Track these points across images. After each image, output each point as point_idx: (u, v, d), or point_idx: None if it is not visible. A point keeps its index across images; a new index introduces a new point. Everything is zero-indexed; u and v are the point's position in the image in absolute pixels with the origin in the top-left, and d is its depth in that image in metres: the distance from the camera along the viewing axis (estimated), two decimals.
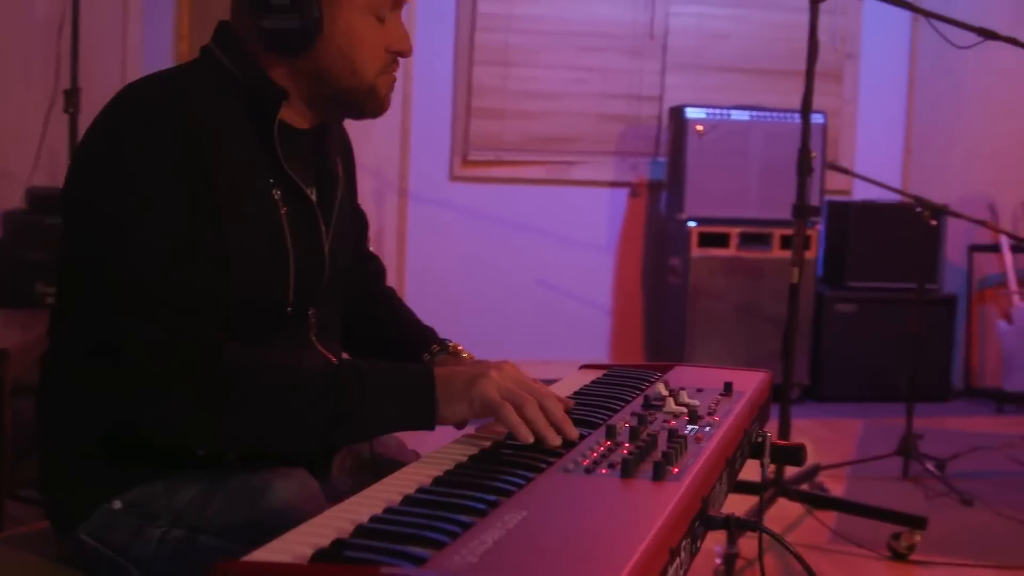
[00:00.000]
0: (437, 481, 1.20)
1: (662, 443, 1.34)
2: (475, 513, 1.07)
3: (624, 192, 6.08)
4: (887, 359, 5.63)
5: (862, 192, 5.96)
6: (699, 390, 1.71)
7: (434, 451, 1.37)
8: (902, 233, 5.82)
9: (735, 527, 1.27)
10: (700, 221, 5.56)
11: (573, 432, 1.40)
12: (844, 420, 5.39)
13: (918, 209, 4.30)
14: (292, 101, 1.56)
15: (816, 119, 5.64)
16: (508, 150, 5.87)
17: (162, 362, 1.37)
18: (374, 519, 1.05)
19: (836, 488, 4.06)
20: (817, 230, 5.67)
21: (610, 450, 1.32)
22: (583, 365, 2.02)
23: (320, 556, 0.95)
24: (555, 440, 1.38)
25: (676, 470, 1.23)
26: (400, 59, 1.60)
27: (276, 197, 1.53)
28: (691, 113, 5.56)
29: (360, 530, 1.02)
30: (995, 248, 6.13)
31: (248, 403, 1.39)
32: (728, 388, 1.73)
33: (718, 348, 5.54)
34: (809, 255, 5.65)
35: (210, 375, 1.38)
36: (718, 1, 6.08)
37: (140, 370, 1.37)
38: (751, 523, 1.34)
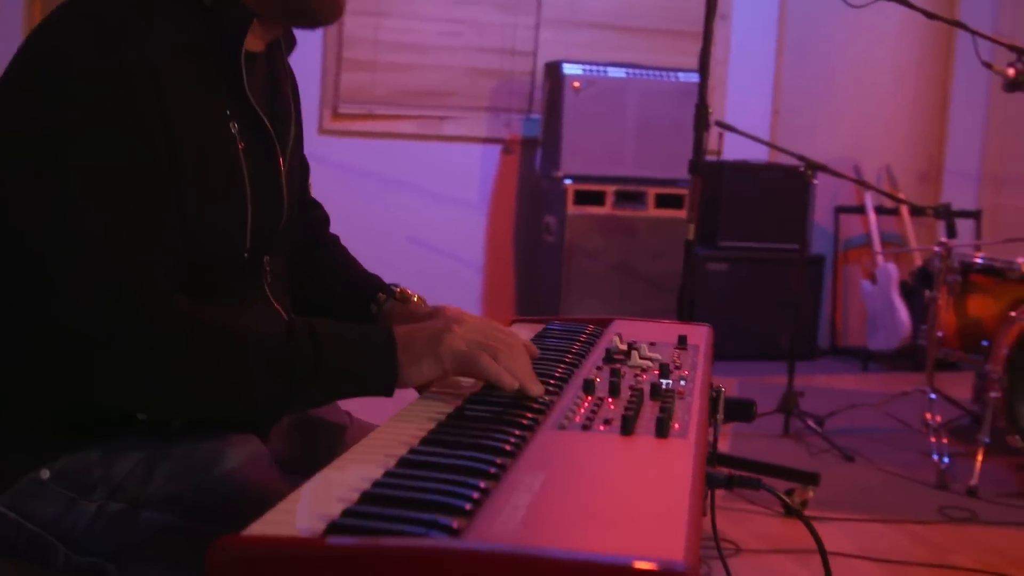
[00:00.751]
0: (426, 442, 1.09)
1: (647, 398, 1.26)
2: (487, 476, 0.96)
3: (497, 149, 5.98)
4: (759, 318, 5.69)
5: (731, 153, 5.98)
6: (652, 344, 1.63)
7: (403, 410, 1.25)
8: (772, 194, 5.89)
9: (737, 486, 1.20)
10: (576, 179, 5.50)
11: (539, 388, 1.31)
12: (721, 379, 5.37)
13: (801, 168, 4.29)
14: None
15: (690, 78, 5.67)
16: (380, 104, 5.70)
17: (105, 319, 1.20)
18: (379, 485, 0.93)
19: (721, 446, 4.06)
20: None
21: (596, 406, 1.23)
22: (514, 319, 1.92)
23: (336, 528, 0.83)
24: (539, 389, 1.28)
25: (677, 426, 1.14)
26: None
27: (233, 131, 1.38)
28: (568, 69, 5.49)
29: (368, 497, 0.90)
30: (860, 210, 6.25)
31: (198, 367, 1.24)
32: (683, 341, 1.66)
33: (593, 306, 5.51)
34: (682, 215, 5.65)
35: (158, 334, 1.22)
36: None
37: (79, 328, 1.21)
38: (754, 481, 1.27)
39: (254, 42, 1.44)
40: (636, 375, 1.41)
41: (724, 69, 6.34)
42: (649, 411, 1.20)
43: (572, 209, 5.48)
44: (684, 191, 5.63)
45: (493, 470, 0.98)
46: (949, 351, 4.24)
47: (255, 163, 1.41)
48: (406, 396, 1.35)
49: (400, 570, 0.77)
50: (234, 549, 0.80)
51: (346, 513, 0.85)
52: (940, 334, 4.16)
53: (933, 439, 3.93)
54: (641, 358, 1.49)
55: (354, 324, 1.39)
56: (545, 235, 5.69)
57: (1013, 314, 3.82)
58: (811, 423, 4.24)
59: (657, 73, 5.62)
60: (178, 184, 1.29)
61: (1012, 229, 5.95)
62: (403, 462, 1.01)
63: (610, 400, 1.26)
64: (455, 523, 0.84)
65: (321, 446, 1.61)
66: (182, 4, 1.36)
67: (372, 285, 1.71)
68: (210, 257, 1.37)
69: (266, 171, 1.45)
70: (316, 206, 1.82)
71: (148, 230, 1.26)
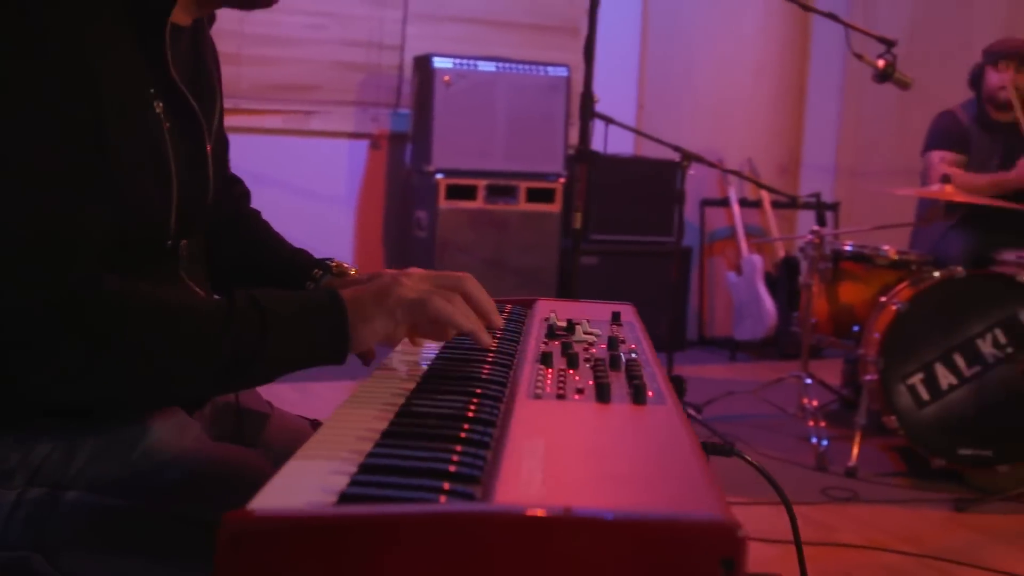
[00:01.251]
0: (403, 414, 1.04)
1: (609, 368, 1.23)
2: (481, 445, 0.92)
3: (365, 144, 5.90)
4: None
5: (598, 147, 6.00)
6: (588, 320, 1.61)
7: (358, 389, 1.19)
8: (641, 187, 5.95)
9: (711, 453, 1.18)
10: (447, 173, 5.46)
11: (500, 320, 1.30)
12: None
13: (676, 159, 4.33)
14: None
15: (559, 71, 5.69)
16: (244, 98, 5.55)
17: (27, 303, 1.11)
18: (375, 456, 0.88)
19: None
20: (560, 184, 5.68)
21: (560, 377, 1.20)
22: None
23: (349, 497, 0.77)
24: (499, 320, 1.26)
25: (651, 394, 1.12)
26: None
27: (158, 110, 1.29)
28: (438, 63, 5.44)
29: (369, 468, 0.85)
30: (724, 202, 6.36)
31: (134, 349, 1.14)
32: (617, 318, 1.64)
33: None
34: (553, 208, 5.68)
35: (89, 318, 1.13)
36: None
37: (6, 321, 1.11)
38: (728, 449, 1.26)
39: (181, 15, 1.37)
40: (586, 349, 1.38)
41: (590, 64, 6.36)
42: (616, 381, 1.17)
43: (444, 204, 5.44)
44: (555, 185, 5.66)
45: (486, 439, 0.94)
46: (822, 336, 4.34)
47: (181, 145, 1.34)
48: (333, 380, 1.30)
49: (426, 537, 0.73)
50: (244, 525, 0.74)
51: (355, 483, 0.80)
52: (813, 320, 4.26)
53: (811, 423, 4.02)
54: (585, 333, 1.46)
55: (295, 292, 1.32)
56: (416, 230, 5.64)
57: (883, 299, 3.93)
58: (691, 411, 4.29)
59: (527, 67, 5.61)
60: (104, 163, 1.20)
61: (868, 220, 6.14)
62: (389, 434, 0.96)
63: (571, 372, 1.23)
64: (472, 489, 0.80)
65: (245, 436, 1.54)
66: None
67: (305, 260, 1.63)
68: (131, 242, 1.27)
69: (192, 153, 1.38)
70: (237, 181, 1.73)
71: (73, 208, 1.17)
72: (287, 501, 0.78)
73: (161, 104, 1.30)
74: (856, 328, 4.16)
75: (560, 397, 1.10)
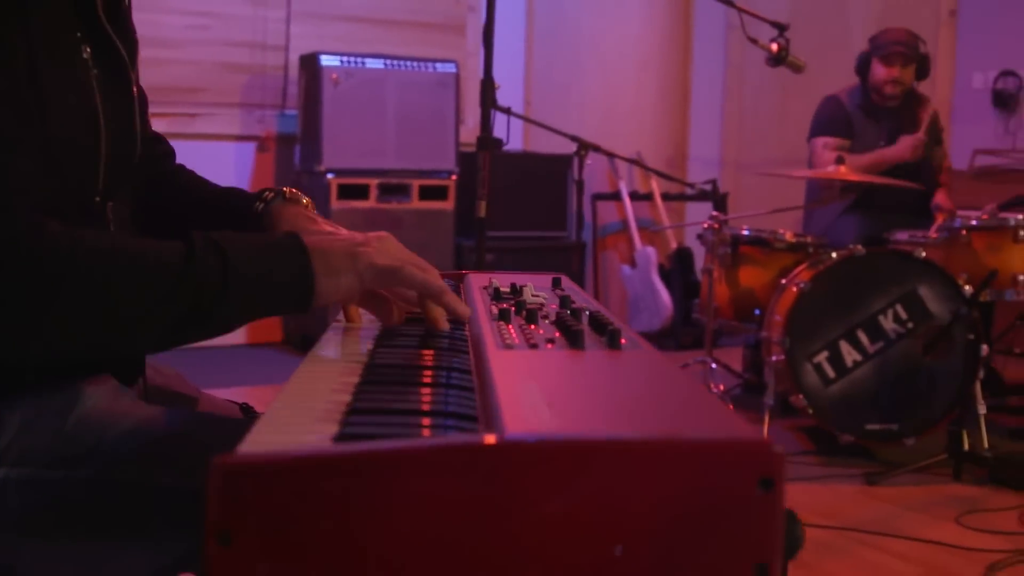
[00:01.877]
0: (373, 369, 0.97)
1: (571, 320, 1.18)
2: (465, 389, 0.86)
3: (251, 146, 5.78)
4: None
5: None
6: (532, 285, 1.56)
7: (313, 352, 1.12)
8: (533, 182, 5.94)
9: None
10: (338, 173, 5.37)
11: (466, 309, 1.22)
12: None
13: (578, 150, 4.32)
14: None
15: (448, 68, 5.64)
16: None
17: None
18: (361, 399, 0.82)
19: None
20: (453, 181, 5.63)
21: (522, 330, 1.14)
22: None
23: (348, 437, 0.71)
24: (466, 310, 1.19)
25: (625, 341, 1.07)
26: None
27: (85, 56, 1.20)
28: (325, 61, 5.34)
29: (358, 411, 0.79)
30: (615, 196, 6.38)
31: (83, 295, 1.04)
32: (558, 283, 1.59)
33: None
34: (446, 206, 5.62)
35: (33, 260, 1.03)
36: None
37: None
38: None
39: None
40: (539, 307, 1.33)
41: (476, 60, 6.34)
42: (584, 331, 1.12)
43: (336, 204, 5.35)
44: (447, 182, 5.61)
45: (468, 384, 0.88)
46: (724, 321, 4.36)
47: (108, 92, 1.25)
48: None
49: (440, 471, 0.67)
50: (240, 468, 0.67)
51: (349, 424, 0.74)
52: (715, 306, 4.28)
53: None
54: (533, 296, 1.41)
55: (256, 234, 1.24)
56: None
57: (784, 281, 3.96)
58: None
59: (415, 64, 5.55)
60: (35, 108, 1.11)
61: (757, 209, 6.22)
62: (366, 382, 0.89)
63: (533, 327, 1.17)
64: (473, 425, 0.74)
65: None
66: None
67: (247, 193, 1.51)
68: (58, 199, 1.18)
69: (119, 104, 1.29)
70: (160, 140, 1.62)
71: (4, 154, 1.08)
72: (278, 445, 0.71)
73: (89, 49, 1.21)
74: (757, 312, 4.19)
75: (533, 346, 1.04)
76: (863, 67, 4.75)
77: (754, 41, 3.83)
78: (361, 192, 5.41)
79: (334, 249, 1.17)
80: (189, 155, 5.26)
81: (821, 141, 4.72)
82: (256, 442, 0.73)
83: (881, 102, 4.71)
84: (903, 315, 3.70)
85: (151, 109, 1.49)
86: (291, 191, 1.47)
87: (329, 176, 5.33)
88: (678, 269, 6.03)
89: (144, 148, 1.38)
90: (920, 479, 3.50)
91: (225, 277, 1.08)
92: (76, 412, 1.17)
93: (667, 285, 5.99)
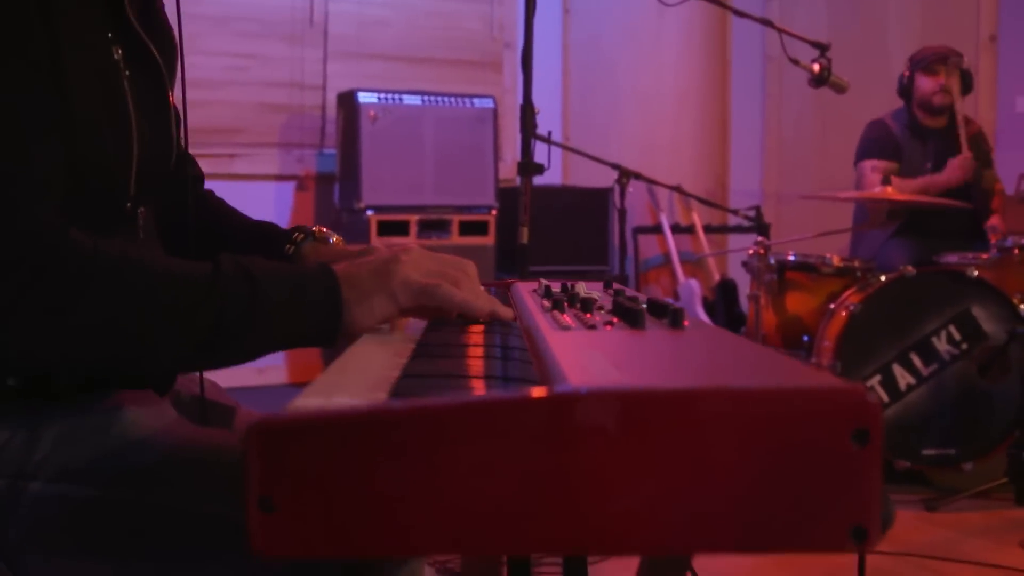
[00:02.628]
0: (425, 346, 0.92)
1: (631, 304, 1.13)
2: (524, 361, 0.81)
3: (291, 185, 5.77)
4: None
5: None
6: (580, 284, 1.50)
7: (363, 338, 1.06)
8: (573, 216, 5.89)
9: None
10: (377, 210, 5.34)
11: (508, 311, 1.16)
12: None
13: (619, 178, 4.28)
14: None
15: (485, 103, 5.62)
16: None
17: None
18: (413, 367, 0.76)
19: None
20: (493, 216, 5.60)
21: (578, 318, 1.08)
22: None
23: (403, 390, 0.66)
24: (509, 312, 1.13)
25: (687, 322, 1.01)
26: None
27: (116, 57, 1.17)
28: (363, 98, 5.33)
29: (413, 374, 0.73)
30: (656, 230, 6.32)
31: (108, 309, 1.01)
32: (610, 283, 1.54)
33: None
34: (487, 241, 5.58)
35: (56, 272, 0.99)
36: None
37: None
38: None
39: None
40: (593, 300, 1.27)
41: (513, 97, 6.32)
42: (644, 312, 1.06)
43: (376, 240, 5.31)
44: (487, 217, 5.57)
45: (527, 358, 0.82)
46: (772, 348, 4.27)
47: (141, 96, 1.21)
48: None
49: (509, 426, 0.61)
50: (279, 428, 0.62)
51: (403, 384, 0.68)
52: (762, 333, 4.20)
53: None
54: (585, 294, 1.36)
55: (284, 263, 1.19)
56: None
57: (832, 306, 3.88)
58: None
59: (452, 100, 5.53)
60: (62, 105, 1.08)
61: (795, 243, 6.15)
62: (418, 355, 0.84)
63: (588, 315, 1.11)
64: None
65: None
66: None
67: (278, 229, 1.49)
68: (87, 202, 1.14)
69: (154, 106, 1.25)
70: (191, 161, 1.60)
71: (32, 149, 1.04)
72: (328, 404, 0.66)
73: (120, 50, 1.18)
74: (806, 338, 4.11)
75: (591, 327, 0.99)
76: (907, 87, 4.69)
77: (795, 62, 3.77)
78: (401, 228, 5.38)
79: (363, 272, 1.12)
80: (229, 195, 5.25)
81: (869, 164, 4.65)
82: (299, 406, 0.68)
83: (927, 120, 4.63)
84: (957, 336, 3.61)
85: (190, 151, 1.47)
86: (320, 230, 1.45)
87: (369, 213, 5.31)
88: (722, 301, 5.95)
89: (181, 154, 1.35)
90: (981, 504, 3.40)
91: (251, 299, 1.05)
92: (116, 428, 1.13)
93: (712, 317, 5.91)
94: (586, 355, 0.77)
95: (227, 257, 1.08)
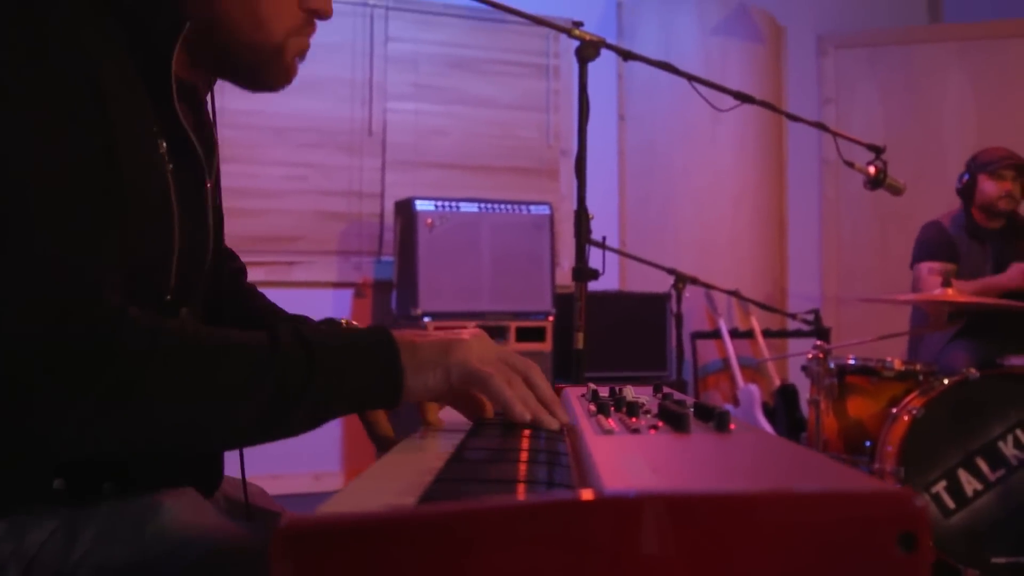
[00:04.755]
0: (462, 450, 0.90)
1: (677, 408, 1.11)
2: (560, 465, 0.79)
3: (348, 293, 5.81)
4: None
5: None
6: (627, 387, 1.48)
7: (400, 444, 1.06)
8: (629, 322, 5.86)
9: None
10: (435, 316, 5.35)
11: (565, 415, 1.14)
12: None
13: (676, 283, 4.26)
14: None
15: (542, 210, 5.65)
16: None
17: (49, 344, 0.97)
18: (449, 471, 0.75)
19: None
20: (550, 322, 5.59)
21: (623, 420, 1.06)
22: None
23: (434, 494, 0.64)
24: (553, 422, 1.11)
25: (734, 426, 0.99)
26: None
27: (162, 150, 1.19)
28: (420, 206, 5.39)
29: (445, 479, 0.72)
30: (714, 335, 6.27)
31: (170, 386, 1.00)
32: (659, 388, 1.52)
33: None
34: (544, 347, 5.57)
35: (117, 343, 0.99)
36: (433, 98, 6.01)
37: (18, 357, 0.96)
38: None
39: (182, 69, 1.27)
40: (640, 405, 1.25)
41: (569, 204, 6.35)
42: (689, 416, 1.04)
43: None
44: (544, 323, 5.56)
45: (567, 461, 0.80)
46: (833, 455, 4.19)
47: (183, 190, 1.23)
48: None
49: (541, 532, 0.59)
50: (304, 532, 0.60)
51: (434, 490, 0.67)
52: (824, 439, 4.12)
53: None
54: (633, 395, 1.34)
55: (340, 328, 1.19)
56: None
57: (895, 410, 3.81)
58: None
59: (509, 207, 5.57)
60: (116, 194, 1.09)
61: (855, 347, 6.07)
62: (455, 460, 0.82)
63: (633, 419, 1.10)
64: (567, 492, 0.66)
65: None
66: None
67: (311, 319, 1.51)
68: (130, 292, 1.15)
69: (194, 201, 1.27)
70: (233, 256, 1.61)
71: (96, 234, 1.05)
72: (354, 508, 0.65)
73: (165, 144, 1.19)
74: (868, 443, 4.03)
75: (634, 431, 0.97)
76: (968, 189, 4.65)
77: (851, 164, 3.75)
78: None
79: (424, 343, 1.12)
80: (288, 302, 5.28)
81: (926, 266, 4.61)
82: (325, 510, 0.66)
83: (987, 223, 4.59)
84: None
85: (248, 258, 1.50)
86: (348, 321, 1.49)
87: (426, 320, 5.32)
88: (783, 406, 5.86)
89: (218, 251, 1.36)
90: None
91: (310, 367, 1.05)
92: (154, 525, 1.12)
93: (772, 423, 5.82)
94: (625, 459, 0.75)
95: (285, 327, 1.08)
